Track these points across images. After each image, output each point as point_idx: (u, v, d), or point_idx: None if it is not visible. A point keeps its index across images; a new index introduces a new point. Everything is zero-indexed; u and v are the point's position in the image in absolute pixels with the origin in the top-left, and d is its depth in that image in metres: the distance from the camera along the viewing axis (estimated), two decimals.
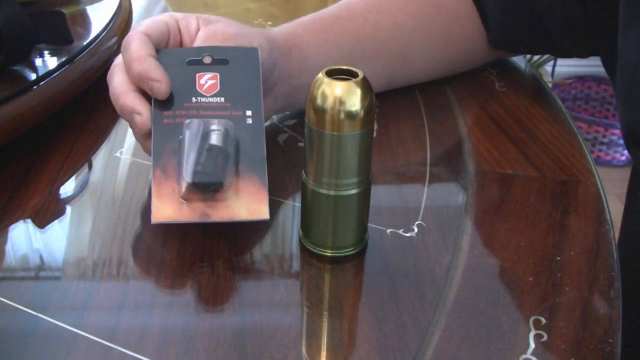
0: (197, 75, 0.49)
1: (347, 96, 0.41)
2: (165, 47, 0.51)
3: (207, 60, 0.49)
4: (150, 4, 0.93)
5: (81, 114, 0.63)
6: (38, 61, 0.61)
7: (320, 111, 0.41)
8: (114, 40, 0.68)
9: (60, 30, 0.63)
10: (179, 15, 0.52)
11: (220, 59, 0.49)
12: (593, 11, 0.59)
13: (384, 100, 0.66)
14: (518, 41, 0.68)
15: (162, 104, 0.48)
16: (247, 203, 0.45)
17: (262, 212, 0.45)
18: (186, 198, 0.45)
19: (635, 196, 0.66)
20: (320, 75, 0.42)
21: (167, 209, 0.45)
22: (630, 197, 0.71)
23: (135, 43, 0.48)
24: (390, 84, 0.66)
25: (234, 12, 0.90)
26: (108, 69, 0.66)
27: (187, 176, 0.44)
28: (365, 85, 0.41)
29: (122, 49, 0.49)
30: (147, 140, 0.48)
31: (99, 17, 0.71)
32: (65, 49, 0.63)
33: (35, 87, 0.57)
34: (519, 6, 0.65)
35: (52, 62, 0.61)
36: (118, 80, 0.49)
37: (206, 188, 0.45)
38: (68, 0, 0.75)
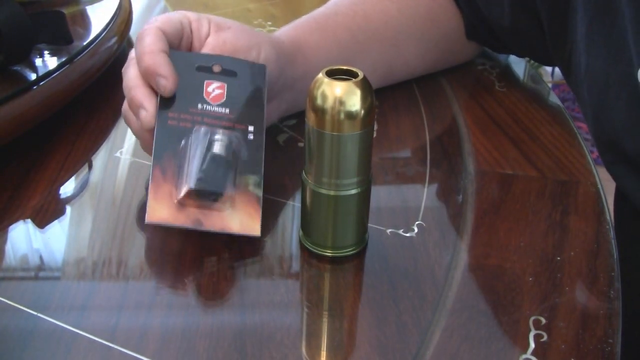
0: (205, 82, 0.49)
1: (347, 96, 0.41)
2: (178, 46, 0.51)
3: (217, 68, 0.50)
4: (150, 3, 0.93)
5: (81, 114, 0.63)
6: (38, 61, 0.61)
7: (320, 111, 0.41)
8: (114, 40, 0.68)
9: (60, 30, 0.63)
10: (192, 16, 0.52)
11: (229, 69, 0.50)
12: (550, 31, 0.60)
13: (383, 100, 0.66)
14: (480, 36, 0.70)
15: (168, 104, 0.48)
16: (241, 217, 0.46)
17: (254, 228, 0.46)
18: (182, 202, 0.45)
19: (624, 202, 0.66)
20: (320, 75, 0.42)
21: (163, 210, 0.45)
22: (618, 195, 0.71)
23: (150, 37, 0.48)
24: (389, 74, 0.67)
25: (234, 12, 0.90)
26: (108, 69, 0.66)
27: (190, 182, 0.45)
28: (365, 86, 0.41)
29: (136, 41, 0.50)
30: (147, 135, 0.48)
31: (99, 17, 0.71)
32: (65, 49, 0.63)
33: (35, 87, 0.57)
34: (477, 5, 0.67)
35: (52, 62, 0.61)
36: (132, 73, 0.49)
37: (206, 196, 0.45)
38: (68, 0, 0.75)
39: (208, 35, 0.52)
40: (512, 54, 0.74)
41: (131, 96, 0.48)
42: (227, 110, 0.49)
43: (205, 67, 0.49)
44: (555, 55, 0.61)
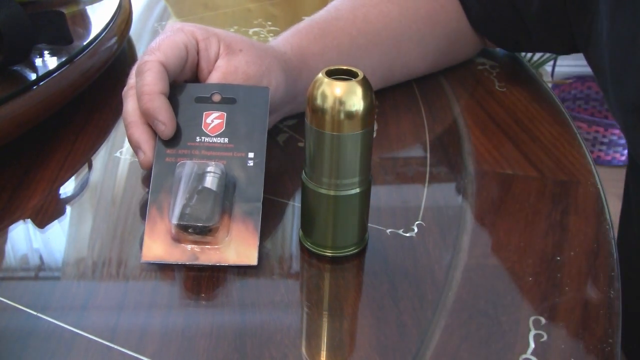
0: (204, 113, 0.49)
1: (347, 96, 0.41)
2: (182, 71, 0.50)
3: (217, 98, 0.49)
4: (150, 3, 0.93)
5: (81, 114, 0.63)
6: (38, 61, 0.61)
7: (320, 111, 0.41)
8: (114, 40, 0.68)
9: (60, 30, 0.63)
10: (199, 34, 0.51)
11: (229, 97, 0.49)
12: (573, 4, 0.59)
13: (384, 100, 0.66)
14: (497, 30, 0.70)
15: (166, 141, 0.48)
16: (237, 247, 0.45)
17: (251, 257, 0.45)
18: (177, 238, 0.45)
19: (630, 195, 0.66)
20: (320, 75, 0.42)
21: (158, 248, 0.45)
22: (627, 196, 0.71)
23: (150, 75, 0.47)
24: (389, 76, 0.67)
25: (234, 12, 0.90)
26: (108, 69, 0.66)
27: (173, 218, 0.45)
28: (366, 85, 0.41)
29: (136, 72, 0.49)
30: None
31: (99, 17, 0.71)
32: (65, 49, 0.63)
33: (35, 87, 0.57)
34: None
35: (52, 62, 0.61)
36: (131, 107, 0.49)
37: (195, 230, 0.45)
38: (68, 0, 0.75)
39: (217, 56, 0.51)
40: (524, 50, 0.73)
41: (129, 133, 0.49)
42: (226, 140, 0.48)
43: (204, 97, 0.49)
44: (575, 30, 0.61)
